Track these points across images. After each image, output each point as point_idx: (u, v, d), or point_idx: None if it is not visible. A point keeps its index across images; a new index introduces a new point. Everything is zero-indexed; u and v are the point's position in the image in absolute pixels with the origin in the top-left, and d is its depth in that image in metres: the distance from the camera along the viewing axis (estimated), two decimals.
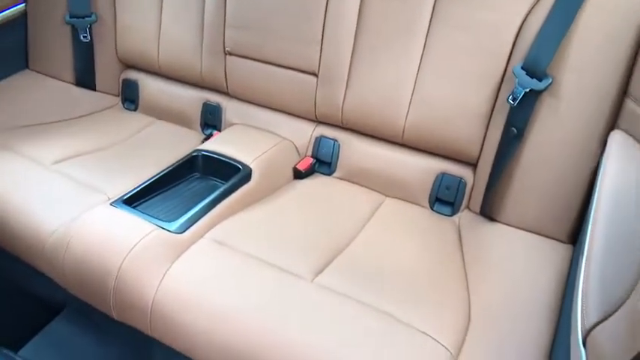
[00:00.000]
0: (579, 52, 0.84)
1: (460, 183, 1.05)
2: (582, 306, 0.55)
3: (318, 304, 0.77)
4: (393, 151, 1.11)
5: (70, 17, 1.36)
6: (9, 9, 1.39)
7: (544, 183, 0.90)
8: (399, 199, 1.11)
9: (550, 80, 0.85)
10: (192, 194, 1.07)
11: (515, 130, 0.90)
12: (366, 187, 1.14)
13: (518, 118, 0.89)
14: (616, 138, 0.72)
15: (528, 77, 0.86)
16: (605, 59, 0.82)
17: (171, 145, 1.25)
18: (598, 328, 0.51)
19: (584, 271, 0.59)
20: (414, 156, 1.09)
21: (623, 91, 0.81)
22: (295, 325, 0.73)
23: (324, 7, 1.09)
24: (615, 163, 0.68)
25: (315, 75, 1.14)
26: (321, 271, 0.86)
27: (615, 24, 0.81)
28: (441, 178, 1.06)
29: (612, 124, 0.83)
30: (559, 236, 0.92)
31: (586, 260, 0.60)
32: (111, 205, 0.94)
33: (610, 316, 0.51)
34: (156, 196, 1.04)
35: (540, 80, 0.85)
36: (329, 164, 1.18)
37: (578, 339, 0.53)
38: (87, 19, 1.36)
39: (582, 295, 0.56)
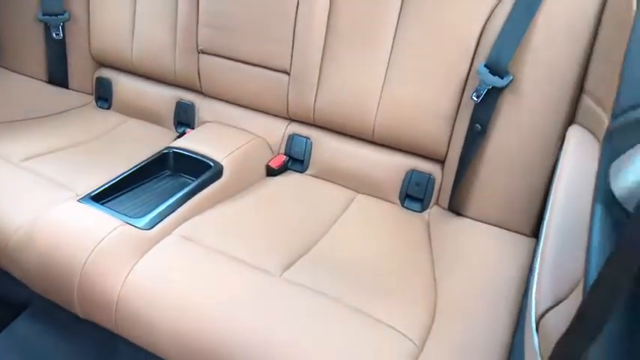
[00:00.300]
0: (538, 51, 0.86)
1: (429, 179, 1.06)
2: (536, 293, 0.56)
3: (285, 298, 0.77)
4: (364, 149, 1.12)
5: (43, 15, 1.35)
6: None
7: (507, 178, 0.92)
8: (370, 195, 1.12)
9: (511, 77, 0.87)
10: (162, 191, 1.06)
11: (479, 127, 0.92)
12: (338, 184, 1.15)
13: (481, 115, 0.91)
14: (574, 132, 0.74)
15: (491, 75, 0.88)
16: (562, 57, 0.84)
17: (144, 143, 1.25)
18: (549, 313, 0.53)
19: (540, 261, 0.61)
20: (385, 153, 1.10)
21: (580, 88, 0.84)
22: (262, 321, 0.73)
23: (294, 7, 1.10)
24: (572, 156, 0.70)
25: (287, 73, 1.15)
26: (289, 266, 0.86)
27: (571, 24, 0.84)
28: (411, 175, 1.07)
29: (571, 119, 0.85)
30: (522, 229, 0.94)
31: (541, 251, 0.62)
32: (78, 201, 0.93)
33: (560, 302, 0.52)
34: (125, 193, 1.04)
35: (502, 77, 0.87)
36: (302, 162, 1.19)
37: (531, 325, 0.55)
38: (60, 16, 1.35)
39: (537, 283, 0.58)
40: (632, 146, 0.31)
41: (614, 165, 0.33)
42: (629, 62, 0.42)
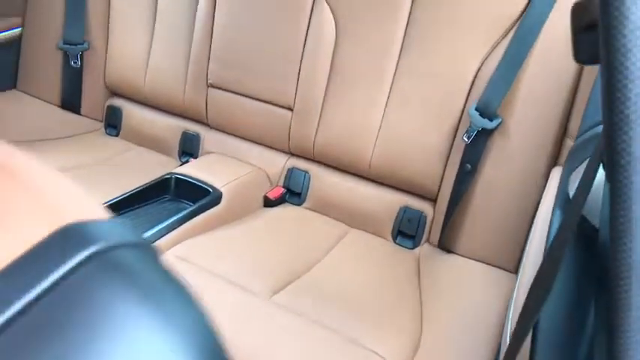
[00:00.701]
0: (525, 96, 0.92)
1: (421, 217, 1.09)
2: (512, 315, 0.58)
3: (272, 320, 0.79)
4: (360, 185, 1.16)
5: (64, 44, 1.43)
6: (6, 32, 1.46)
7: (494, 216, 0.96)
8: (364, 230, 1.15)
9: (500, 120, 0.92)
10: (160, 214, 1.09)
11: (469, 166, 0.96)
12: (332, 217, 1.18)
13: (471, 155, 0.96)
14: (556, 173, 0.78)
15: (481, 118, 0.93)
16: (547, 103, 0.90)
17: (147, 169, 1.29)
18: None
19: (516, 293, 0.63)
20: (380, 190, 1.14)
21: (564, 131, 0.89)
22: (248, 340, 0.74)
23: (301, 49, 1.17)
24: (552, 197, 0.73)
25: (291, 110, 1.21)
26: (279, 290, 0.88)
27: (556, 72, 0.90)
28: (404, 212, 1.10)
29: (554, 161, 0.89)
30: (507, 266, 0.96)
31: (518, 283, 0.64)
32: None
33: None
34: (125, 213, 1.07)
35: (491, 120, 0.92)
36: (299, 195, 1.22)
37: (506, 342, 0.57)
38: (79, 46, 1.43)
39: (513, 308, 0.60)
40: (586, 159, 0.34)
41: (573, 175, 0.37)
42: (594, 91, 0.47)
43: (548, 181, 0.79)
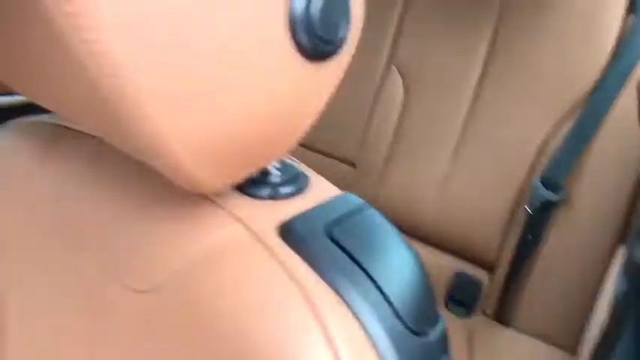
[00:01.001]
0: (592, 170, 0.90)
1: (476, 285, 1.07)
2: None
3: None
4: (416, 247, 1.16)
5: None
6: None
7: (554, 292, 0.92)
8: None
9: (565, 193, 0.91)
10: None
11: (530, 237, 0.94)
12: None
13: (534, 226, 0.94)
14: (622, 252, 0.75)
15: (545, 189, 0.92)
16: (615, 178, 0.88)
17: None
18: None
19: None
20: (435, 253, 1.13)
21: (631, 210, 0.86)
22: None
23: (369, 109, 1.23)
24: (616, 275, 0.71)
25: (354, 166, 1.25)
26: None
27: (624, 147, 0.89)
28: (458, 279, 1.09)
29: (621, 239, 0.86)
30: (566, 345, 0.91)
31: None
32: None
33: None
34: None
35: (556, 193, 0.91)
36: None
37: None
38: None
39: None
40: None
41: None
42: None
43: (614, 259, 0.76)
